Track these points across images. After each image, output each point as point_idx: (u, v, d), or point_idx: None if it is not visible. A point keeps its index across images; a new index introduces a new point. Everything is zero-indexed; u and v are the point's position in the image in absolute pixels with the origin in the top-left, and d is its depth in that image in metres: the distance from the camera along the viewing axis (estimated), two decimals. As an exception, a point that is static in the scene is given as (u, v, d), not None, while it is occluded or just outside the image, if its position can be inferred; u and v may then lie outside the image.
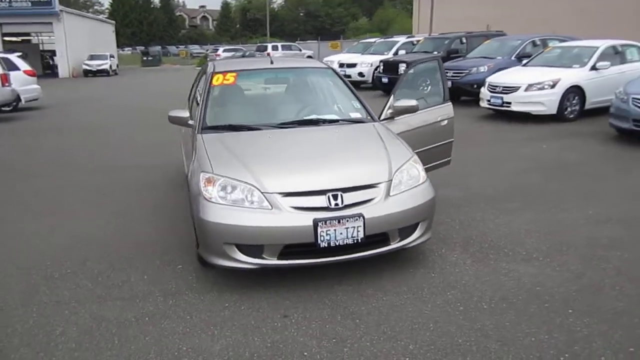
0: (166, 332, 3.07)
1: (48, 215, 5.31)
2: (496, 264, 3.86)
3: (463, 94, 12.41)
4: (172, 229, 4.77)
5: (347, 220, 3.36)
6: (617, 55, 10.36)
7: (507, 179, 6.18)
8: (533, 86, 9.70)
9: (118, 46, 46.71)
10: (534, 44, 12.90)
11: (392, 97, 4.89)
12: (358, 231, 3.40)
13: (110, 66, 32.77)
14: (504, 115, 10.36)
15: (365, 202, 3.49)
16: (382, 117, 4.76)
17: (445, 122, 5.41)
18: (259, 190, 3.43)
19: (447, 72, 6.38)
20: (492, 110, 10.66)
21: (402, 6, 79.71)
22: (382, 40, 19.92)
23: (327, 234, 3.33)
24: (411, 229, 3.69)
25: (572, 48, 10.81)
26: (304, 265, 3.49)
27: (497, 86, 10.24)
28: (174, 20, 78.33)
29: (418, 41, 17.70)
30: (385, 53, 17.52)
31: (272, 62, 5.11)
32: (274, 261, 3.42)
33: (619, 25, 22.43)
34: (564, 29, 18.09)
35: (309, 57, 20.04)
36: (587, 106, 9.93)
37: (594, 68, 9.91)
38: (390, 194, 3.57)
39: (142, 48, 58.48)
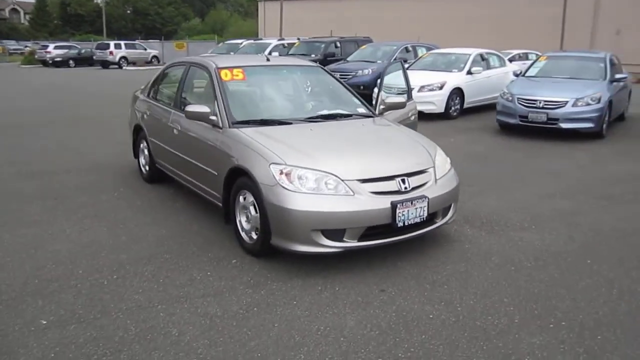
0: (289, 317, 3.15)
1: (34, 224, 4.71)
2: (505, 234, 4.59)
3: (351, 94, 13.32)
4: (184, 227, 4.63)
5: (417, 202, 3.77)
6: (484, 61, 12.19)
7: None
8: (425, 87, 10.95)
9: None
10: (406, 49, 14.41)
11: (381, 94, 5.38)
12: (424, 211, 3.83)
13: None
14: (397, 114, 11.48)
15: (423, 185, 3.93)
16: (376, 112, 5.22)
17: (413, 117, 6.11)
18: (339, 178, 3.65)
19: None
20: (387, 110, 11.74)
21: (233, 8, 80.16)
22: (251, 42, 20.11)
23: (402, 215, 3.70)
24: (448, 209, 4.22)
25: (448, 55, 12.40)
26: (379, 245, 3.79)
27: (392, 87, 11.28)
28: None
29: (289, 44, 18.34)
30: (259, 54, 17.78)
31: (268, 60, 5.23)
32: (355, 243, 3.68)
33: (467, 33, 25.94)
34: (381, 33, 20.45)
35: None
36: (465, 105, 11.53)
37: (469, 72, 11.54)
38: (437, 177, 4.07)
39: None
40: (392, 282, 3.63)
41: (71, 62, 31.77)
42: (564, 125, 8.66)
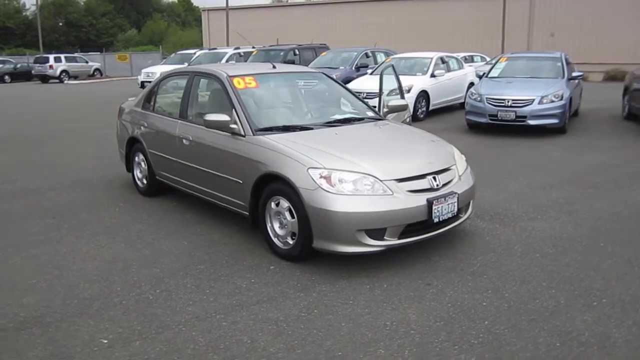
0: (352, 316, 3.22)
1: (42, 244, 4.51)
2: (516, 224, 4.85)
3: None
4: (205, 238, 4.59)
5: (449, 198, 3.95)
6: (444, 64, 12.66)
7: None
8: (394, 91, 11.22)
9: None
10: (366, 55, 14.73)
11: (383, 97, 5.56)
12: (454, 206, 4.01)
13: None
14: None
15: (450, 182, 4.11)
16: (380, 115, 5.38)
17: (408, 119, 6.33)
18: (378, 178, 3.76)
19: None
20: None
21: (170, 18, 78.61)
22: (206, 51, 19.88)
23: (437, 211, 3.86)
24: (468, 205, 4.42)
25: (410, 59, 12.79)
26: (417, 241, 3.92)
27: (361, 92, 11.52)
28: None
29: (245, 53, 18.29)
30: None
31: (274, 67, 5.27)
32: (396, 241, 3.79)
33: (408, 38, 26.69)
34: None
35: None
36: (431, 107, 11.94)
37: (433, 75, 11.97)
38: (460, 174, 4.26)
39: None
40: (434, 276, 3.77)
41: (7, 77, 30.14)
42: (531, 122, 9.17)
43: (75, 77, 30.44)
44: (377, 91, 11.47)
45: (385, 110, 5.41)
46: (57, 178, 6.97)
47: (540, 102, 9.13)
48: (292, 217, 3.91)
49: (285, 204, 3.95)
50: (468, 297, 3.44)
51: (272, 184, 4.04)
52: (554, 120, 9.20)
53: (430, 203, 3.80)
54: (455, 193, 4.01)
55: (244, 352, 2.87)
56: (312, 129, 4.49)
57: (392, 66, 6.73)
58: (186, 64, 19.04)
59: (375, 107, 5.65)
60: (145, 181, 5.93)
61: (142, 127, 5.78)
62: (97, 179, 6.86)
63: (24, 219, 5.27)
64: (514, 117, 9.21)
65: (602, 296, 3.42)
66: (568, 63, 10.52)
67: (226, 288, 3.64)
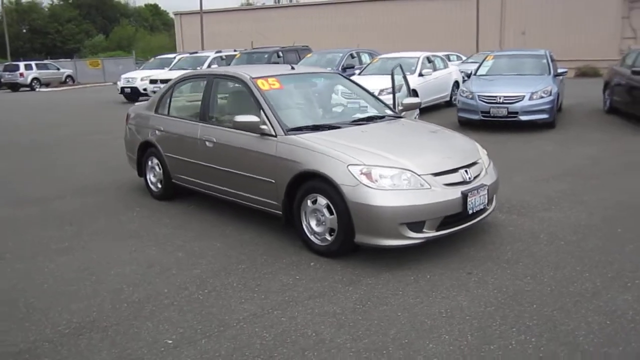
0: (407, 306, 3.33)
1: (70, 251, 4.47)
2: (534, 215, 5.04)
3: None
4: (235, 238, 4.64)
5: (480, 190, 4.10)
6: (430, 63, 12.92)
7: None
8: (384, 91, 11.39)
9: None
10: (351, 56, 14.90)
11: (397, 96, 5.70)
12: (485, 198, 4.17)
13: None
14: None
15: (478, 175, 4.26)
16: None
17: (417, 117, 6.49)
18: (415, 173, 3.88)
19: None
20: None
21: (138, 23, 77.45)
22: (187, 55, 19.74)
23: (471, 203, 4.01)
24: (493, 197, 4.58)
25: (397, 59, 12.98)
26: (453, 233, 4.06)
27: (352, 92, 11.67)
28: None
29: (227, 56, 18.25)
30: (198, 68, 17.54)
31: (293, 68, 5.35)
32: (434, 233, 3.92)
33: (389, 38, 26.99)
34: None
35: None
36: (421, 106, 12.14)
37: (421, 75, 12.20)
38: (485, 168, 4.42)
39: None
40: (472, 265, 3.91)
41: (-27, 87, 29.29)
42: (523, 118, 9.46)
43: (47, 85, 29.74)
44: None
45: (400, 108, 5.55)
46: (60, 185, 6.88)
47: (530, 98, 9.43)
48: (331, 213, 4.00)
49: (323, 201, 4.04)
50: (510, 284, 3.59)
51: (309, 182, 4.13)
52: (544, 116, 9.51)
53: (465, 195, 3.95)
54: (486, 185, 4.17)
55: (312, 344, 2.94)
56: (339, 127, 4.59)
57: (400, 66, 6.87)
58: (166, 69, 18.93)
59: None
60: (159, 185, 5.92)
61: (156, 131, 5.77)
62: (103, 184, 6.81)
63: (39, 227, 5.22)
64: (506, 113, 9.49)
65: (634, 277, 3.62)
66: (553, 60, 10.88)
67: (273, 285, 3.71)
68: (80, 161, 8.47)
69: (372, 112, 5.20)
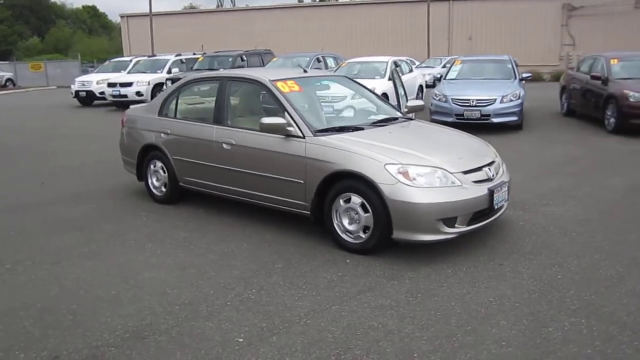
0: (456, 296, 3.52)
1: (92, 257, 4.36)
2: (537, 210, 5.37)
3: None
4: (260, 239, 4.69)
5: (503, 186, 4.37)
6: (397, 67, 13.27)
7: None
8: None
9: None
10: (318, 60, 15.08)
11: (403, 98, 5.92)
12: (506, 194, 4.45)
13: None
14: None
15: (497, 173, 4.53)
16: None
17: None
18: (448, 171, 4.09)
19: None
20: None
21: (75, 25, 74.45)
22: (145, 58, 19.27)
23: (496, 199, 4.27)
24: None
25: (366, 63, 13.29)
26: (481, 227, 4.29)
27: (326, 96, 11.84)
28: None
29: (187, 59, 18.01)
30: (159, 71, 17.22)
31: (305, 71, 5.45)
32: (465, 228, 4.14)
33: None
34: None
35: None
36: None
37: (390, 79, 12.52)
38: (502, 167, 4.70)
39: None
40: (500, 257, 4.16)
41: None
42: (495, 120, 9.96)
43: (-15, 88, 28.16)
44: (340, 95, 11.92)
45: (405, 110, 5.76)
46: (50, 192, 6.64)
47: (501, 101, 9.94)
48: (366, 211, 4.13)
49: (357, 200, 4.17)
50: (541, 272, 3.86)
51: (342, 182, 4.24)
52: (514, 118, 10.05)
53: (491, 192, 4.20)
54: (506, 182, 4.44)
55: (382, 335, 3.07)
56: (363, 129, 4.74)
57: (396, 71, 7.12)
58: (123, 72, 18.43)
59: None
60: (164, 189, 5.85)
61: (162, 134, 5.70)
62: (98, 190, 6.63)
63: (48, 234, 5.05)
64: (479, 115, 9.96)
65: (649, 262, 3.98)
66: (517, 65, 11.50)
67: (320, 282, 3.80)
68: (59, 167, 8.17)
69: (384, 114, 5.38)
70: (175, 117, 5.70)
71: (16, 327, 3.30)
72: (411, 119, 5.41)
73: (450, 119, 10.26)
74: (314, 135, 4.47)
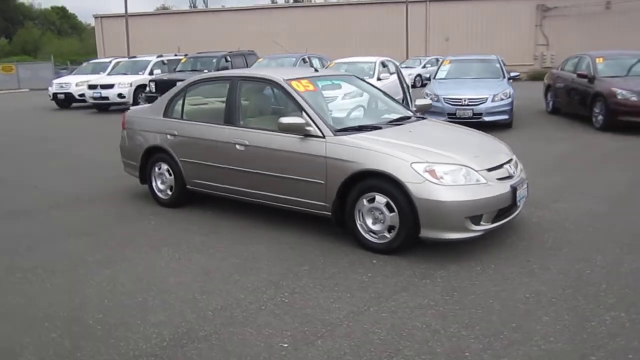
0: (492, 294, 3.52)
1: (109, 263, 4.22)
2: (548, 207, 5.42)
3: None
4: (278, 241, 4.61)
5: (523, 183, 4.40)
6: (385, 68, 13.33)
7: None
8: (347, 95, 11.63)
9: None
10: (304, 60, 15.02)
11: (410, 98, 5.94)
12: (526, 191, 4.48)
13: None
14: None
15: (516, 170, 4.56)
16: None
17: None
18: (473, 169, 4.09)
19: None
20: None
21: (45, 27, 72.63)
22: (126, 60, 18.88)
23: (519, 196, 4.29)
24: (523, 191, 4.91)
25: (354, 64, 13.28)
26: (504, 224, 4.30)
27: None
28: None
29: (170, 60, 17.73)
30: (141, 73, 16.90)
31: (316, 70, 5.39)
32: (490, 225, 4.15)
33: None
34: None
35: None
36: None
37: (379, 79, 12.55)
38: (520, 164, 4.73)
39: None
40: (525, 254, 4.18)
41: None
42: (487, 118, 10.07)
43: (-47, 92, 27.21)
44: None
45: (413, 109, 5.76)
46: (46, 197, 6.41)
47: (492, 100, 10.06)
48: (391, 211, 4.10)
49: (382, 199, 4.13)
50: (569, 268, 3.89)
51: (365, 182, 4.20)
52: (505, 116, 10.19)
53: (514, 189, 4.22)
54: (525, 179, 4.47)
55: (430, 335, 3.04)
56: (381, 128, 4.71)
57: (398, 70, 7.11)
58: (102, 73, 18.05)
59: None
60: (169, 192, 5.72)
61: (168, 136, 5.57)
62: (96, 193, 6.47)
63: (55, 239, 4.89)
64: (472, 114, 10.05)
65: (671, 253, 4.06)
66: (504, 64, 11.66)
67: (352, 284, 3.75)
68: (47, 170, 7.93)
69: (397, 113, 5.36)
70: (182, 118, 5.57)
71: (45, 339, 3.16)
72: (424, 118, 5.41)
73: (442, 118, 10.30)
74: (335, 135, 4.42)
